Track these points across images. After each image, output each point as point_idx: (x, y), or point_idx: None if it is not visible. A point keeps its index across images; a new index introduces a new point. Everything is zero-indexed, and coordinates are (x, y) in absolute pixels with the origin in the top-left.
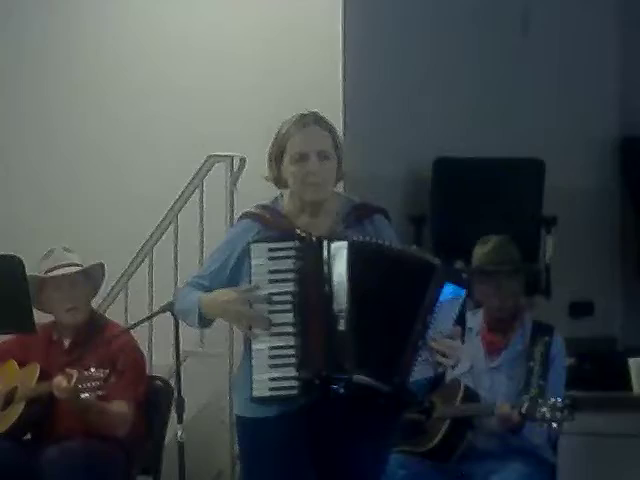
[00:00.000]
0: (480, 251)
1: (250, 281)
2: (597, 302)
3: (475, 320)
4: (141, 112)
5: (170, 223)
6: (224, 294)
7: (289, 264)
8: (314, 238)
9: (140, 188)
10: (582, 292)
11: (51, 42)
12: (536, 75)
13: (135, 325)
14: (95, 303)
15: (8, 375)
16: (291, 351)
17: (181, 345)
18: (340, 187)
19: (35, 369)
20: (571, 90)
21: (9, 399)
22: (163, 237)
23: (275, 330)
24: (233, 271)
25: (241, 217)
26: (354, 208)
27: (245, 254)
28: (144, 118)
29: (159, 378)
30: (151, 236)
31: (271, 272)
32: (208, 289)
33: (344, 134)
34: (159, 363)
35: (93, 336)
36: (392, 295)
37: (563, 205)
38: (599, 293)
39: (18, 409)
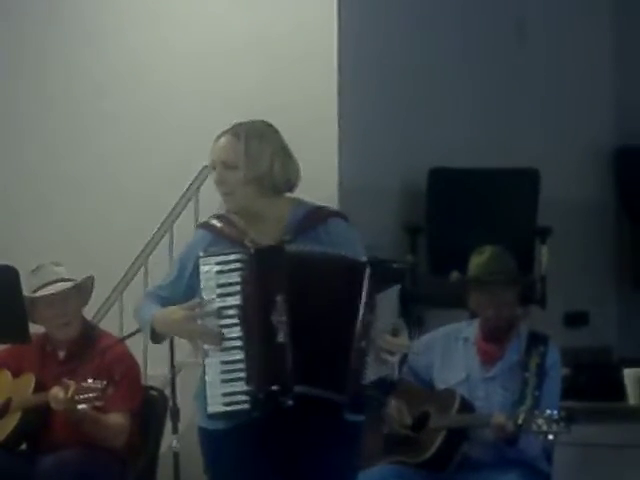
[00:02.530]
0: (475, 261)
1: (200, 295)
2: (592, 312)
3: (470, 330)
4: (137, 123)
5: (165, 233)
6: (172, 312)
7: (235, 277)
8: (252, 250)
9: (136, 199)
10: (577, 302)
11: (53, 44)
12: (531, 85)
13: (129, 336)
14: (90, 313)
15: (2, 386)
16: (240, 365)
17: (176, 355)
18: (335, 197)
19: (30, 380)
20: (566, 100)
21: (4, 410)
22: (158, 247)
23: (225, 344)
24: (189, 282)
25: (197, 227)
26: (308, 213)
27: (198, 266)
28: (139, 131)
29: (154, 388)
30: (146, 246)
31: (219, 286)
32: (166, 300)
33: (339, 145)
34: (154, 373)
35: (87, 347)
36: (328, 301)
37: (558, 215)
38: (594, 303)
39: (13, 420)
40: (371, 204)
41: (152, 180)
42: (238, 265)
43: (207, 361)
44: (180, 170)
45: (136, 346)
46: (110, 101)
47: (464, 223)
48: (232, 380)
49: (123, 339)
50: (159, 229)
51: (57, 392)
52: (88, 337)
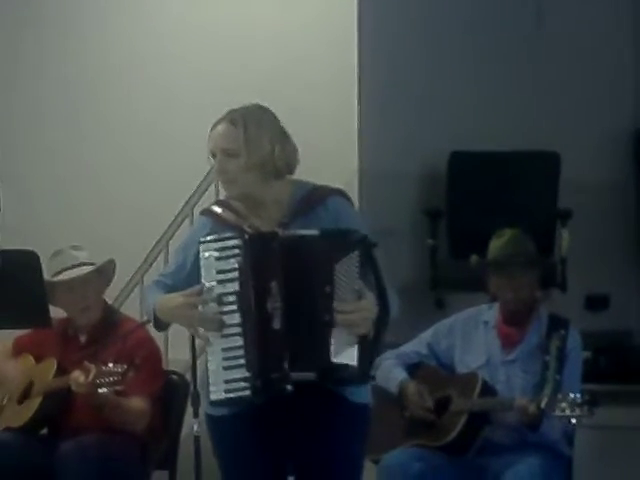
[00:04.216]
0: (495, 244)
1: (201, 281)
2: (613, 295)
3: (491, 313)
4: (157, 109)
5: (186, 217)
6: (172, 299)
7: (234, 263)
8: (246, 235)
9: (156, 183)
10: (598, 285)
11: (76, 42)
12: (550, 68)
13: (150, 320)
14: (110, 297)
15: (24, 370)
16: (241, 352)
17: (197, 340)
18: (355, 181)
19: (52, 364)
20: (585, 82)
21: (26, 394)
22: (178, 231)
23: (227, 331)
24: (192, 270)
25: (200, 214)
26: (307, 194)
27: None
28: (161, 115)
29: (175, 372)
30: (167, 230)
31: (218, 272)
32: (171, 287)
33: (359, 129)
34: (175, 357)
35: (109, 332)
36: (310, 283)
37: (578, 198)
38: (615, 286)
39: (35, 404)
40: (391, 188)
41: (173, 163)
42: (236, 251)
43: (209, 348)
44: (201, 153)
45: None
46: (129, 84)
47: (484, 206)
48: (233, 367)
49: (144, 323)
50: (180, 213)
51: (78, 375)
52: (109, 321)
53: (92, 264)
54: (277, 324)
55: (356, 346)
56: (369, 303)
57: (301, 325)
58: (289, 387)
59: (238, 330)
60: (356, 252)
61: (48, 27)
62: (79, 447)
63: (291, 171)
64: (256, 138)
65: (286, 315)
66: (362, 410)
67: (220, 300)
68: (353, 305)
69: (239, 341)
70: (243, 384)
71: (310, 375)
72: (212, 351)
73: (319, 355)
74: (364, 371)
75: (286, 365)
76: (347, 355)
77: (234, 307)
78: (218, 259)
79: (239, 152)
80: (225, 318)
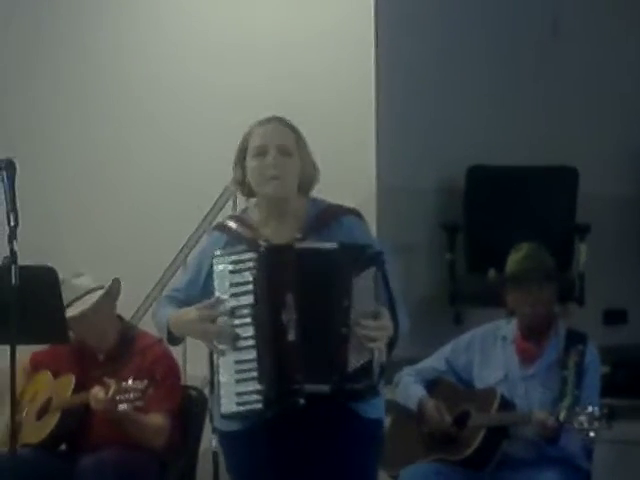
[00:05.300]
0: (513, 259)
1: (215, 295)
2: (631, 310)
3: (509, 328)
4: (177, 123)
5: (204, 232)
6: (186, 313)
7: (248, 276)
8: (262, 249)
9: (174, 197)
10: (616, 300)
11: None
12: (569, 82)
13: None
14: (129, 313)
15: (43, 386)
16: (254, 364)
17: (215, 355)
18: (373, 195)
19: (70, 380)
20: (603, 97)
21: (44, 410)
22: (197, 246)
23: (239, 344)
24: (205, 284)
25: (212, 229)
26: (322, 211)
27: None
28: (180, 127)
29: (193, 388)
30: (185, 245)
31: (232, 285)
32: (184, 302)
33: (377, 144)
34: (193, 373)
35: (126, 348)
36: (324, 295)
37: (597, 213)
38: (633, 301)
39: (53, 420)
40: (409, 202)
41: (191, 178)
42: (250, 264)
43: (221, 360)
44: (219, 168)
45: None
46: (148, 101)
47: (502, 221)
48: (245, 380)
49: (162, 339)
50: (197, 228)
51: (98, 392)
52: (126, 338)
53: (96, 289)
54: (292, 336)
55: (370, 361)
56: (387, 319)
57: (317, 338)
58: (302, 400)
59: (251, 343)
60: (373, 267)
61: (63, 29)
62: (98, 463)
63: (309, 190)
64: (304, 146)
65: (301, 327)
66: (374, 425)
67: (234, 313)
68: (372, 321)
69: (252, 354)
70: (255, 397)
71: (324, 388)
72: (224, 363)
73: (335, 368)
74: (375, 386)
75: (300, 377)
76: (361, 370)
77: (248, 320)
78: (232, 272)
79: (293, 153)
80: (238, 331)
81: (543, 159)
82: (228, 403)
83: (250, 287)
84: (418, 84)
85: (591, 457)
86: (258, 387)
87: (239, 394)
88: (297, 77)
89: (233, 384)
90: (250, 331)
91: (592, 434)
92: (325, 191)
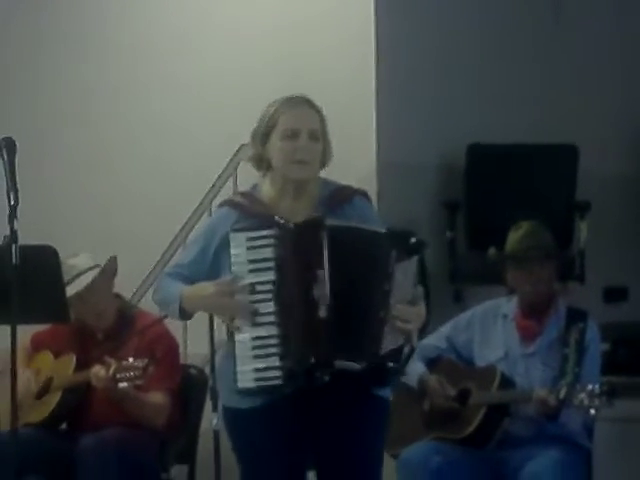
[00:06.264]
0: (512, 237)
1: (230, 271)
2: (631, 287)
3: (509, 306)
4: (175, 104)
5: (204, 211)
6: (203, 288)
7: (268, 253)
8: (292, 225)
9: (175, 177)
10: (616, 277)
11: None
12: (569, 59)
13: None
14: (129, 292)
15: (44, 365)
16: (274, 340)
17: (216, 333)
18: (373, 173)
19: (71, 359)
20: (603, 75)
21: (45, 389)
22: (197, 225)
23: (257, 320)
24: (213, 260)
25: (220, 205)
26: (334, 192)
27: (225, 243)
28: (178, 109)
29: (194, 367)
30: (185, 225)
31: (251, 261)
32: (188, 278)
33: (377, 121)
34: (194, 352)
35: (126, 327)
36: (360, 274)
37: (597, 190)
38: (633, 278)
39: (54, 399)
40: (409, 180)
41: (191, 158)
42: (271, 241)
43: (237, 337)
44: (218, 149)
45: (176, 324)
46: (147, 80)
47: (502, 199)
48: (265, 356)
49: (162, 318)
50: (198, 207)
51: (98, 370)
52: (125, 318)
53: (92, 268)
54: (323, 312)
55: (402, 346)
56: (422, 306)
57: (353, 317)
58: (326, 377)
59: (271, 319)
60: (416, 257)
61: (68, 27)
62: (99, 442)
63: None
64: (326, 128)
65: (335, 304)
66: (385, 404)
67: (253, 289)
68: (409, 307)
69: (272, 330)
70: (275, 372)
71: (355, 366)
72: (240, 339)
73: (368, 348)
74: (401, 370)
75: (331, 353)
76: (393, 353)
77: (268, 296)
78: (251, 248)
79: (320, 137)
80: (257, 307)
81: (543, 137)
82: (245, 379)
83: (271, 264)
84: (418, 63)
85: (592, 435)
86: (278, 363)
87: (257, 370)
88: (297, 56)
89: (250, 360)
90: (271, 307)
91: (592, 411)
92: (326, 169)
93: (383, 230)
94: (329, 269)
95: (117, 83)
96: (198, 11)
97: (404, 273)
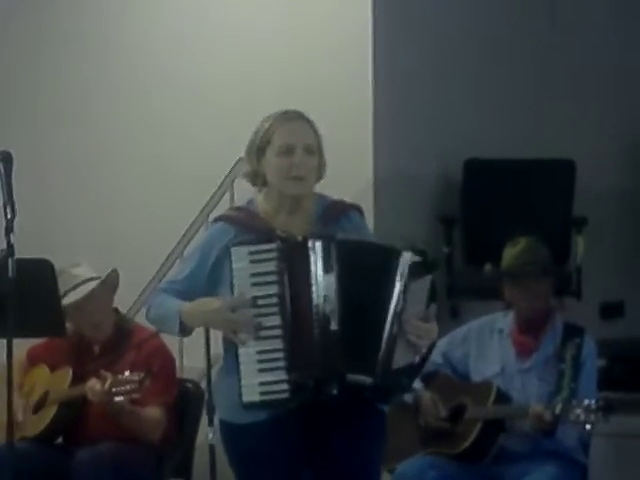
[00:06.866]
0: (509, 253)
1: (232, 285)
2: (628, 303)
3: (506, 321)
4: (175, 104)
5: (200, 226)
6: (206, 303)
7: (271, 266)
8: (300, 238)
9: (172, 191)
10: (613, 293)
11: (98, 40)
12: (566, 75)
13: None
14: (125, 306)
15: (40, 379)
16: (279, 354)
17: (212, 348)
18: (370, 188)
19: (67, 373)
20: (600, 90)
21: (41, 403)
22: (194, 239)
23: (262, 334)
24: (210, 275)
25: (215, 220)
26: (329, 206)
27: (223, 258)
28: (178, 110)
29: (190, 381)
30: (182, 238)
31: (253, 275)
32: (182, 294)
33: (374, 137)
34: (190, 366)
35: (122, 341)
36: (370, 288)
37: (594, 206)
38: (630, 294)
39: (50, 413)
40: (406, 195)
41: (190, 159)
42: (274, 254)
43: (241, 351)
44: (218, 149)
45: (172, 338)
46: (147, 84)
47: (499, 214)
48: (270, 369)
49: (158, 332)
50: (194, 222)
51: (94, 384)
52: (122, 331)
53: (93, 278)
54: (334, 326)
55: (412, 362)
56: (434, 323)
57: (365, 331)
58: (335, 391)
59: (276, 332)
60: (430, 275)
61: (68, 27)
62: (95, 456)
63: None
64: (321, 143)
65: (346, 318)
66: (383, 417)
67: (254, 303)
68: (422, 323)
69: (277, 343)
70: (281, 386)
71: (366, 379)
72: (244, 353)
73: (380, 362)
74: (409, 386)
75: (341, 366)
76: (403, 369)
77: (272, 310)
78: (254, 262)
79: (315, 152)
80: (261, 320)
81: (540, 152)
82: (250, 392)
83: (274, 277)
84: (415, 77)
85: (588, 451)
86: (284, 376)
87: (263, 384)
88: (294, 65)
89: (256, 373)
90: (275, 320)
91: (588, 427)
92: (322, 183)
93: (396, 246)
94: (339, 282)
95: (117, 83)
96: (198, 12)
97: (417, 290)
